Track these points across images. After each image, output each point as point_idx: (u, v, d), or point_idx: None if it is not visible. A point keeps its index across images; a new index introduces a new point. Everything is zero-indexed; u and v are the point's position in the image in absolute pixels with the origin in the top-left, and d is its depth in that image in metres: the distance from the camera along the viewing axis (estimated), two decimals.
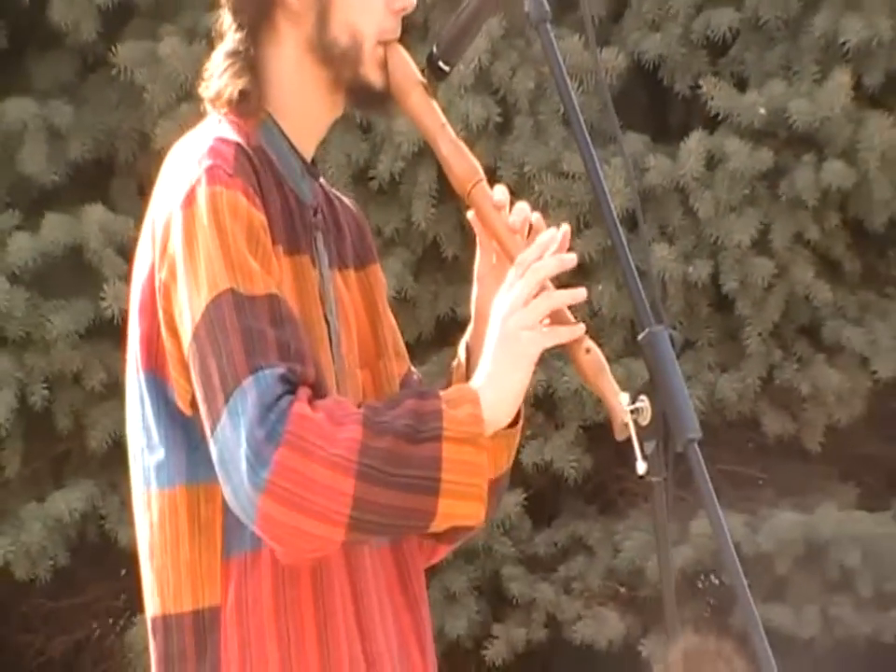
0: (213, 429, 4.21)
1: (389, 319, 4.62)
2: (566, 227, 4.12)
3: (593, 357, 4.14)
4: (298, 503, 4.19)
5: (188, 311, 4.33)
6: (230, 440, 4.22)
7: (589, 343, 4.11)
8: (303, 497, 4.20)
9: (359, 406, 4.28)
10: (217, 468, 4.19)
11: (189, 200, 4.25)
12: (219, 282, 4.30)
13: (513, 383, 4.30)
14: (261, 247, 4.33)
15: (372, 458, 4.18)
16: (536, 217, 4.23)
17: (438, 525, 4.26)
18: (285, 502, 4.18)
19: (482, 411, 4.27)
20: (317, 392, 4.24)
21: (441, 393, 4.25)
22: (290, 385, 4.20)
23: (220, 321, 4.29)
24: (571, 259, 4.20)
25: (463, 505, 4.26)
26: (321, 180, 4.55)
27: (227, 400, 4.23)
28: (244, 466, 4.16)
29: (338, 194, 4.60)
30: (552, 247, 4.23)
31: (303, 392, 4.20)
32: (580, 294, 4.20)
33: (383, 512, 4.24)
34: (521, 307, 4.26)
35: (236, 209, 4.29)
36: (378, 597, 4.47)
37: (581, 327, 4.10)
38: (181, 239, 4.32)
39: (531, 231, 4.34)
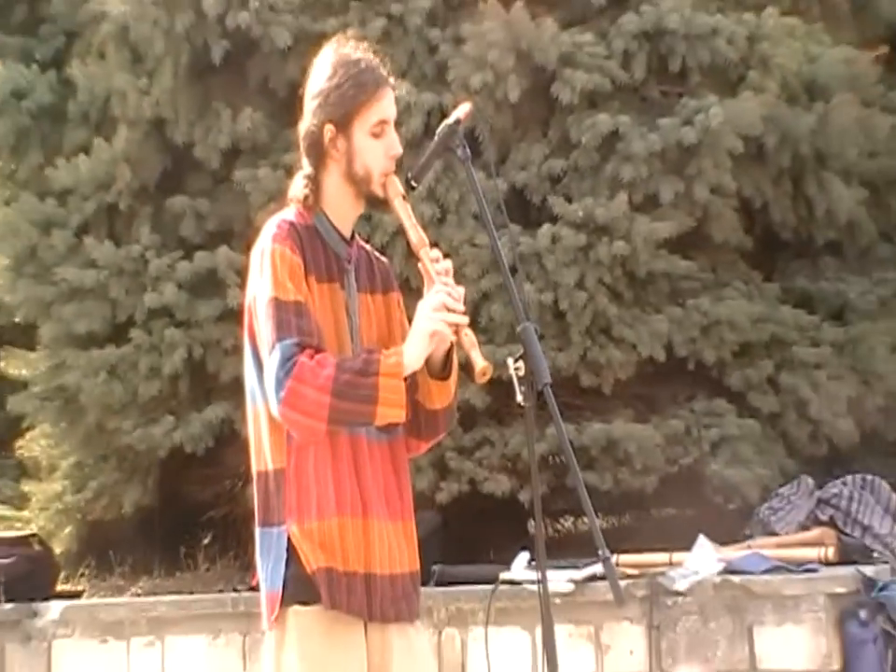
0: (263, 376, 4.51)
1: (401, 322, 4.68)
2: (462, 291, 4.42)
3: (469, 337, 4.33)
4: (299, 409, 4.37)
5: (261, 307, 4.51)
6: (267, 377, 4.44)
7: (467, 329, 4.38)
8: (302, 407, 4.38)
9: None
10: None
11: (262, 251, 4.50)
12: (269, 293, 4.49)
13: (419, 345, 4.43)
14: (296, 277, 4.48)
15: (340, 385, 4.35)
16: (449, 266, 4.39)
17: (379, 421, 4.45)
18: (292, 409, 4.36)
19: (403, 360, 4.39)
20: (318, 351, 4.40)
21: (384, 351, 4.43)
22: (300, 347, 4.38)
23: (267, 314, 4.49)
24: (460, 290, 4.39)
25: (391, 410, 4.41)
26: (367, 246, 4.72)
27: (269, 355, 4.43)
28: (272, 390, 4.38)
29: (378, 255, 4.77)
30: (452, 283, 4.35)
31: (308, 351, 4.38)
32: (459, 292, 4.44)
33: (346, 413, 4.39)
34: (427, 302, 4.38)
35: (283, 256, 4.49)
36: (373, 469, 4.54)
37: (465, 319, 4.37)
38: (258, 271, 4.54)
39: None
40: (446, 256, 4.46)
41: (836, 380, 7.10)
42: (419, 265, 4.44)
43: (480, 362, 4.30)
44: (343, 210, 4.51)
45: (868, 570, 6.29)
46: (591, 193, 6.92)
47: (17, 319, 7.50)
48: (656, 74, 7.07)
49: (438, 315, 4.35)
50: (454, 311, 4.35)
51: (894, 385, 7.34)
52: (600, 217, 6.86)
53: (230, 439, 6.25)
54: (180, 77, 7.01)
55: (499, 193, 6.29)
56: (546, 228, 6.87)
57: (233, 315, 6.16)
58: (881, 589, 6.23)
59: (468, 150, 4.66)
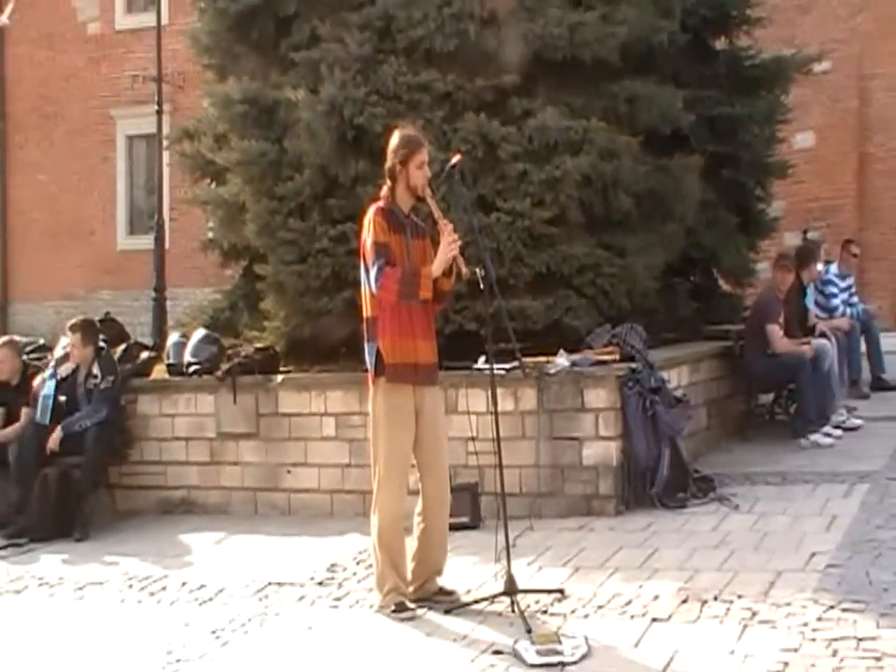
0: (369, 275, 4.28)
1: (431, 254, 4.42)
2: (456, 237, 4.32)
3: (460, 259, 4.31)
4: (384, 291, 4.22)
5: (367, 245, 4.32)
6: (371, 276, 4.25)
7: (459, 256, 4.29)
8: (386, 290, 4.22)
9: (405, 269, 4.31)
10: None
11: (369, 219, 4.35)
12: (371, 238, 4.29)
13: (438, 263, 4.28)
14: (384, 231, 4.29)
15: (403, 281, 4.22)
16: (452, 228, 4.33)
17: (420, 298, 4.25)
18: (381, 290, 4.22)
19: (432, 270, 4.28)
20: (394, 265, 4.23)
21: (423, 267, 4.30)
22: (385, 263, 4.22)
23: (371, 248, 4.30)
24: (458, 239, 4.29)
25: (425, 293, 4.27)
26: (415, 218, 4.55)
27: (372, 266, 4.25)
28: (374, 282, 4.24)
29: (420, 223, 4.56)
30: (455, 240, 4.27)
31: (389, 265, 4.22)
32: (457, 240, 4.29)
33: (405, 294, 4.24)
34: (442, 243, 4.27)
35: (378, 221, 4.33)
36: (417, 318, 4.57)
37: (458, 251, 4.28)
38: (366, 229, 4.36)
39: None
40: (451, 222, 4.42)
41: (622, 283, 7.04)
42: (438, 227, 4.39)
43: (464, 270, 4.33)
44: (404, 202, 4.52)
45: (632, 365, 6.36)
46: (513, 200, 6.79)
47: (261, 252, 7.37)
48: (543, 146, 6.85)
49: (447, 248, 4.31)
50: (454, 247, 4.31)
51: (646, 284, 7.25)
52: (517, 209, 6.75)
53: (353, 305, 6.24)
54: (331, 145, 6.89)
55: (473, 198, 6.29)
56: (494, 214, 6.74)
57: (353, 252, 6.07)
58: (637, 373, 6.28)
59: (459, 177, 4.66)
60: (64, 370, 6.91)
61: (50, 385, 6.83)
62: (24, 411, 6.90)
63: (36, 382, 7.03)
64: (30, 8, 17.92)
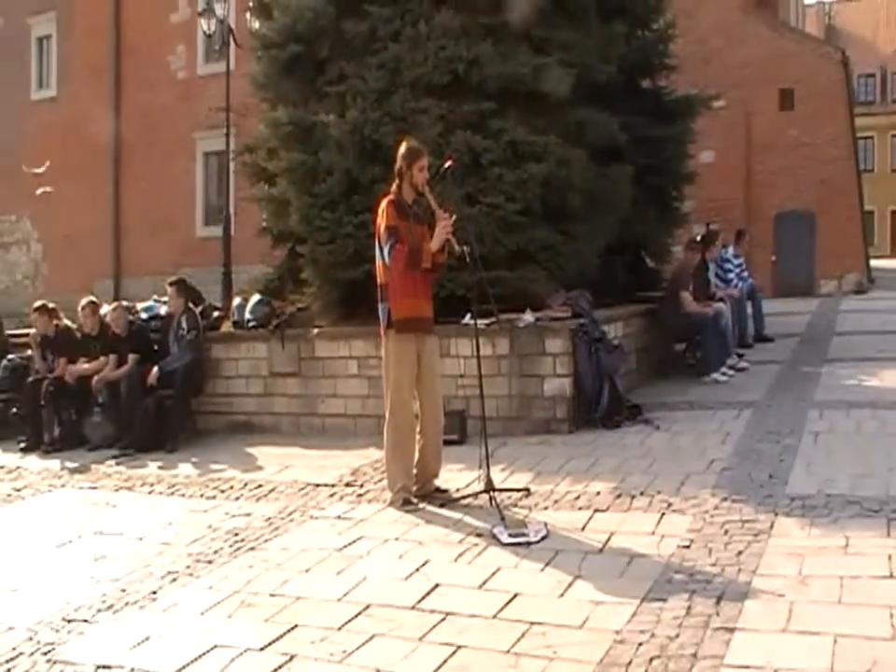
0: (383, 251, 4.08)
1: (429, 235, 4.19)
2: (451, 219, 4.07)
3: (452, 239, 4.12)
4: (396, 262, 4.04)
5: (382, 228, 4.12)
6: (385, 251, 4.06)
7: (451, 237, 4.06)
8: (396, 261, 4.05)
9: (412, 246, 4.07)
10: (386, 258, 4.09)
11: (382, 208, 4.14)
12: (385, 223, 4.10)
13: (436, 241, 4.06)
14: (394, 217, 4.10)
15: (409, 255, 4.06)
16: (447, 216, 4.09)
17: (422, 267, 4.04)
18: (393, 262, 4.04)
19: (431, 247, 4.07)
20: (403, 243, 4.02)
21: (424, 244, 4.04)
22: (396, 241, 4.02)
23: (385, 229, 4.06)
24: (450, 224, 4.02)
25: (426, 263, 4.06)
26: (415, 208, 4.25)
27: (385, 244, 4.07)
28: (387, 255, 4.00)
29: (419, 212, 4.27)
30: (448, 225, 4.08)
31: (399, 243, 4.01)
32: (450, 223, 4.08)
33: (411, 265, 4.05)
34: (438, 226, 4.05)
35: (389, 210, 4.13)
36: (420, 283, 4.66)
37: (450, 233, 4.01)
38: (381, 215, 4.16)
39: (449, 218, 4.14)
40: (446, 212, 4.18)
41: (573, 259, 6.86)
42: (435, 216, 4.19)
43: (456, 248, 4.11)
44: (408, 196, 4.31)
45: (581, 320, 6.17)
46: (492, 196, 6.55)
47: (301, 236, 7.14)
48: (514, 156, 6.60)
49: (442, 231, 4.11)
50: (447, 230, 4.11)
51: (591, 261, 7.09)
52: (495, 203, 6.51)
53: (370, 276, 5.98)
54: (354, 155, 6.65)
55: (462, 194, 6.07)
56: (477, 206, 6.50)
57: (371, 236, 5.78)
58: (585, 326, 6.10)
59: (451, 178, 4.45)
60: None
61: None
62: (130, 356, 6.83)
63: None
64: (135, 64, 18.51)
